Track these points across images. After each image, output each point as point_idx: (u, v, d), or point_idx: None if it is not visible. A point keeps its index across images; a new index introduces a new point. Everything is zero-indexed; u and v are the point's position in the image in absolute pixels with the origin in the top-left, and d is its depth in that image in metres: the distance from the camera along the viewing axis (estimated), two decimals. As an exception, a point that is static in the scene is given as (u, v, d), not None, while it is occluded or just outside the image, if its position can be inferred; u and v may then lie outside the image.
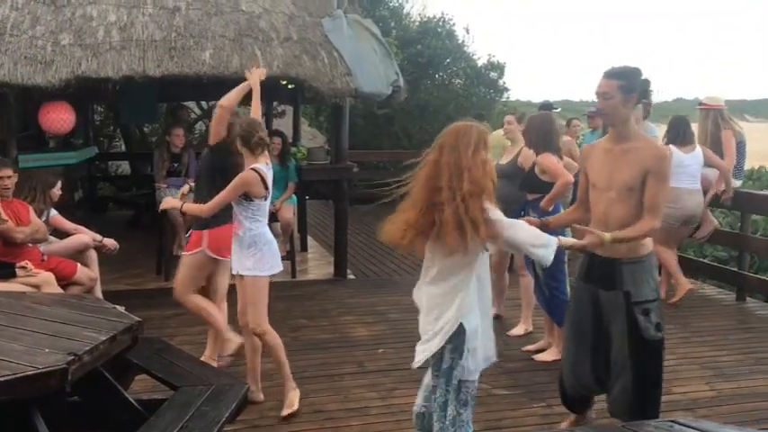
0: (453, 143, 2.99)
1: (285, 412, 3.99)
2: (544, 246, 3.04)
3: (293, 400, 4.06)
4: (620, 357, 3.40)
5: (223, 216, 4.21)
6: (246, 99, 4.63)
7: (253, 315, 4.00)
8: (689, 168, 6.20)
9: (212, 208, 3.96)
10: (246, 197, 3.89)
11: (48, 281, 4.83)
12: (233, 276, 4.17)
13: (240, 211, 3.94)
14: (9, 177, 5.02)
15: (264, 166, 3.95)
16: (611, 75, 3.29)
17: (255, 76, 4.63)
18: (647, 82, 3.36)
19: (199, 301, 4.51)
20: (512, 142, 5.55)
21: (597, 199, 3.44)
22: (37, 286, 4.75)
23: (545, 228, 3.51)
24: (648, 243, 3.38)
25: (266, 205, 4.01)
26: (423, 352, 3.06)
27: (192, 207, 4.21)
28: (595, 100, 3.47)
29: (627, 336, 3.36)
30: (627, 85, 3.24)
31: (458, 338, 2.98)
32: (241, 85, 4.59)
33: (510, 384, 4.45)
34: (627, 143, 3.33)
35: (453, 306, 2.97)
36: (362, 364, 4.84)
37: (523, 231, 3.05)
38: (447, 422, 3.00)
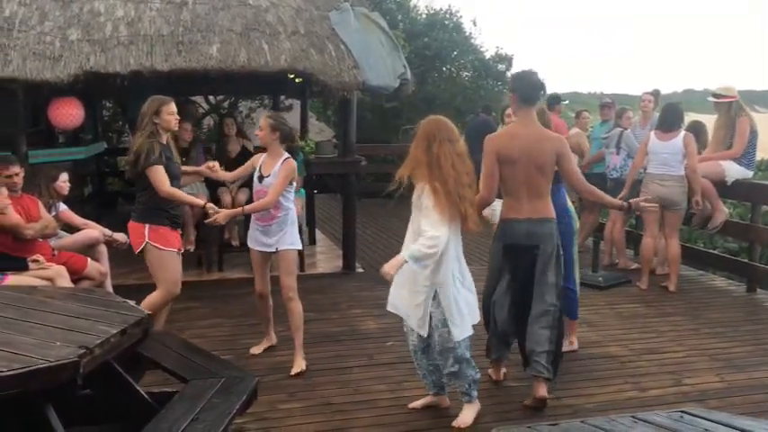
0: (454, 137, 3.72)
1: (295, 371, 4.53)
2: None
3: (301, 364, 4.60)
4: None
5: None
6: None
7: (291, 282, 4.62)
8: (660, 156, 6.35)
9: (274, 199, 4.48)
10: (290, 182, 4.55)
11: (60, 273, 4.86)
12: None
13: (282, 194, 4.52)
14: (17, 174, 5.04)
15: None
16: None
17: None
18: (529, 84, 4.11)
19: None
20: None
21: None
22: (50, 279, 4.78)
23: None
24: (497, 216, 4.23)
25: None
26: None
27: (254, 206, 4.59)
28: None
29: None
30: (510, 86, 4.25)
31: None
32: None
33: (519, 376, 4.45)
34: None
35: None
36: (372, 356, 4.85)
37: None
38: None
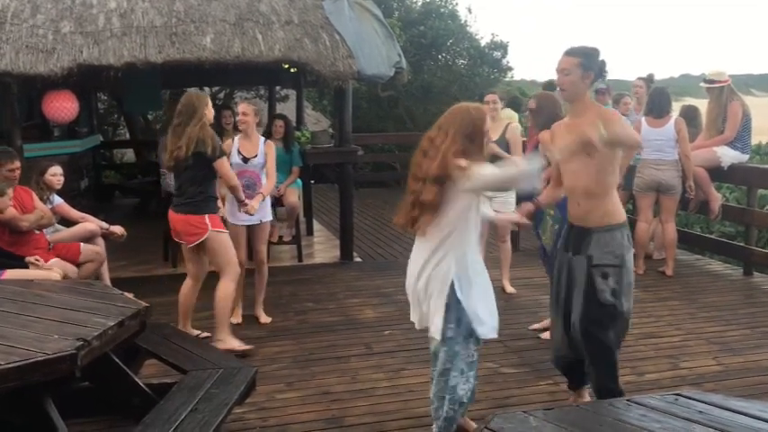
0: (453, 127, 3.21)
1: (266, 321, 5.33)
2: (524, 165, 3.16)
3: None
4: (578, 321, 3.49)
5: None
6: None
7: (265, 249, 5.28)
8: (653, 143, 6.34)
9: (275, 180, 5.19)
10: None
11: (59, 266, 4.85)
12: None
13: (261, 171, 5.11)
14: (18, 168, 5.05)
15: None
16: (572, 53, 3.42)
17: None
18: (603, 62, 3.47)
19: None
20: (494, 119, 5.80)
21: (565, 172, 3.58)
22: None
23: (537, 207, 3.85)
24: (618, 214, 3.49)
25: None
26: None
27: (267, 188, 5.08)
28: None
29: (583, 297, 3.46)
30: (585, 63, 3.38)
31: None
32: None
33: (517, 363, 4.47)
34: (583, 117, 3.43)
35: None
36: (370, 345, 4.86)
37: (492, 167, 3.16)
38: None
